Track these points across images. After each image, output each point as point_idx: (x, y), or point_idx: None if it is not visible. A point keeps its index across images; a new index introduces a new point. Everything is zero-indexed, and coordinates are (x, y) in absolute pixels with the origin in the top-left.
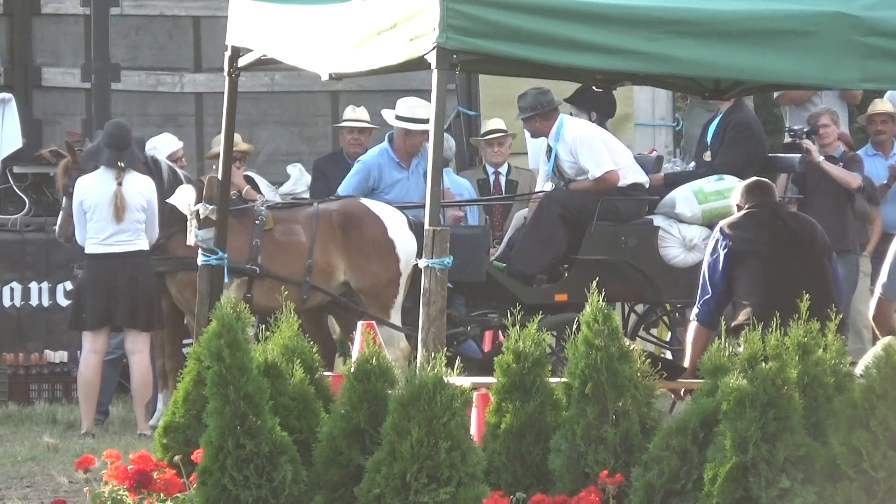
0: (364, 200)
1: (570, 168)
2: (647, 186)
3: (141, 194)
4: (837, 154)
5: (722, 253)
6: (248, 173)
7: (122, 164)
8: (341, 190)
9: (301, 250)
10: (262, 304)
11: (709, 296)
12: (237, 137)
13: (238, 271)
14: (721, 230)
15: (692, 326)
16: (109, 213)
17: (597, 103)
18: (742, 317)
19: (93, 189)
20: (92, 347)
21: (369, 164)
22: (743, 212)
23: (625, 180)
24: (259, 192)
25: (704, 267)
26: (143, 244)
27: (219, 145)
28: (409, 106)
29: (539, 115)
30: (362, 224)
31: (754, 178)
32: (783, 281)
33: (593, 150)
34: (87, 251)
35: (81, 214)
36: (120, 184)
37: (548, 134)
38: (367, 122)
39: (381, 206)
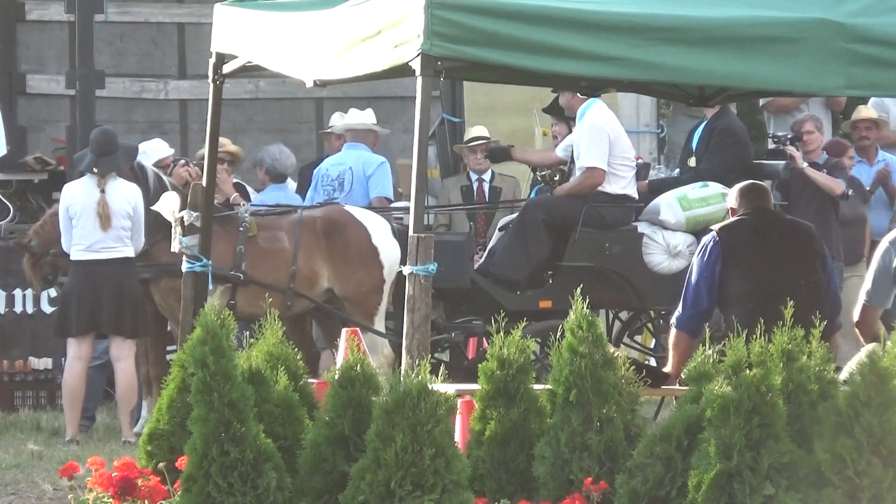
0: (348, 207)
1: (578, 148)
2: (635, 200)
3: (127, 201)
4: (821, 161)
5: (713, 258)
6: (237, 180)
7: (97, 171)
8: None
9: (285, 257)
10: (246, 310)
11: (695, 302)
12: (225, 140)
13: (222, 278)
14: (713, 235)
15: (674, 333)
16: (94, 220)
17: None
18: (730, 324)
19: (78, 196)
20: (77, 354)
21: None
22: (736, 217)
23: (613, 186)
24: (248, 199)
25: (693, 272)
26: (129, 251)
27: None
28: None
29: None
30: (346, 231)
31: (750, 182)
32: (773, 288)
33: (594, 141)
34: (72, 258)
35: (67, 221)
36: (103, 191)
37: (576, 111)
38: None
39: (365, 212)
